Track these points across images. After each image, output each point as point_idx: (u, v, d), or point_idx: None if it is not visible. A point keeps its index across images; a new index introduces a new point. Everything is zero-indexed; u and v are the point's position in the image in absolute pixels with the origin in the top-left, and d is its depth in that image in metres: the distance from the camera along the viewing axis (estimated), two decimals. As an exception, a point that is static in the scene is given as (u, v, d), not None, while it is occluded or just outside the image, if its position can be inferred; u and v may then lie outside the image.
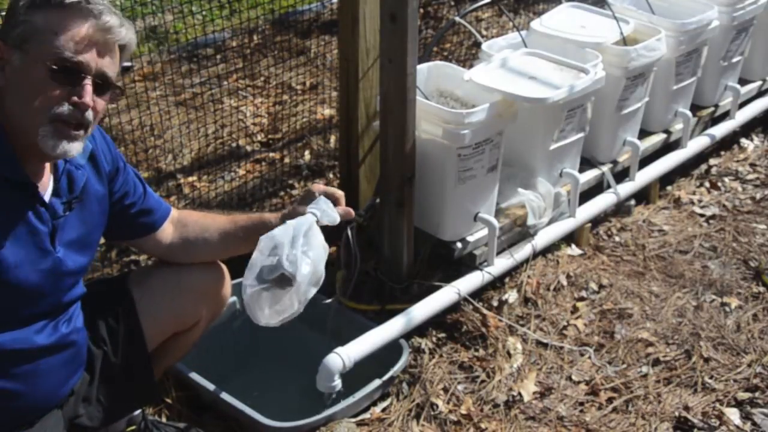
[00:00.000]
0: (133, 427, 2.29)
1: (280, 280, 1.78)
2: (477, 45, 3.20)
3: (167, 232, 2.11)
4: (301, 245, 1.81)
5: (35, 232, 1.74)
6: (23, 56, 1.64)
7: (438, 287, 2.82)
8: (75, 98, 1.67)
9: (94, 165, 1.89)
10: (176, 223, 2.13)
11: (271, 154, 3.79)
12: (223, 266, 2.19)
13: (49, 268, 1.79)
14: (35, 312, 1.80)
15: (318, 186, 2.05)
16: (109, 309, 2.07)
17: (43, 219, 1.76)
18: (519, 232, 3.05)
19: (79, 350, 1.93)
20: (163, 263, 2.17)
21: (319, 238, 1.88)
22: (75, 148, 1.72)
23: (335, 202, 2.01)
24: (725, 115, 4.00)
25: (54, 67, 1.64)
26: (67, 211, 1.81)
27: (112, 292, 2.11)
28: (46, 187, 1.78)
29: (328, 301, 2.82)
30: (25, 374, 1.79)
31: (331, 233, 3.14)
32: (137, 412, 2.30)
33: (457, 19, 3.02)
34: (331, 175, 3.57)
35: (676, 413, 2.52)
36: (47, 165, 1.78)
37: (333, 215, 1.95)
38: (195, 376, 2.48)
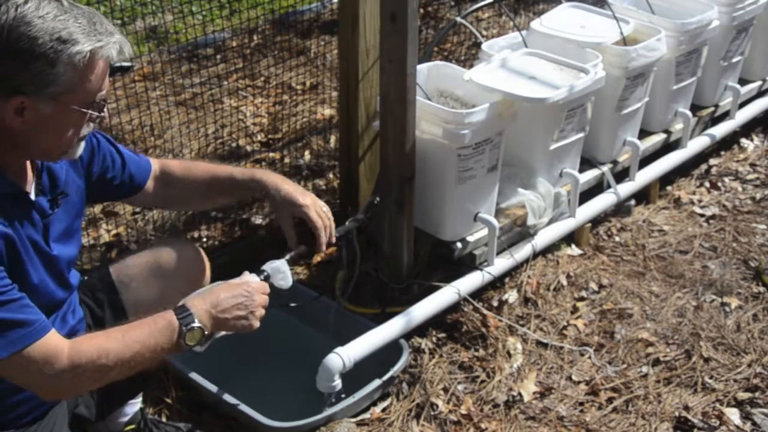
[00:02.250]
0: (133, 426, 2.30)
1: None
2: (477, 45, 3.20)
3: (151, 187, 2.15)
4: None
5: (31, 236, 1.75)
6: (55, 104, 1.64)
7: (438, 287, 2.82)
8: (100, 120, 1.74)
9: (74, 162, 1.90)
10: (160, 178, 2.16)
11: (271, 154, 3.79)
12: (202, 252, 2.19)
13: (49, 266, 1.81)
14: (47, 308, 1.82)
15: (309, 200, 2.12)
16: (94, 298, 2.10)
17: (34, 221, 1.77)
18: (519, 232, 3.05)
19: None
20: (143, 250, 2.20)
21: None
22: (80, 150, 1.77)
23: (313, 235, 2.11)
24: (725, 115, 3.99)
25: (88, 111, 1.68)
26: (55, 208, 1.83)
27: (95, 281, 2.13)
28: (31, 186, 1.79)
29: (329, 301, 2.82)
30: None
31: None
32: (136, 409, 2.30)
33: (459, 19, 3.02)
34: (331, 175, 3.57)
35: (676, 413, 2.53)
36: (27, 164, 1.79)
37: (286, 280, 2.03)
38: (195, 376, 2.48)
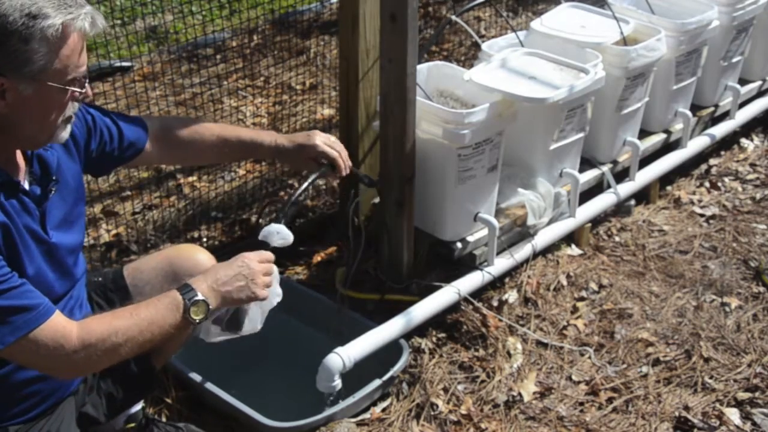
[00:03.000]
0: (133, 425, 2.30)
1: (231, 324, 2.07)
2: (477, 45, 3.20)
3: (151, 147, 2.16)
4: None
5: (28, 225, 1.76)
6: (36, 85, 1.64)
7: (438, 287, 2.82)
8: (83, 98, 1.74)
9: (64, 144, 1.89)
10: (162, 138, 2.18)
11: (271, 154, 3.79)
12: (214, 259, 2.20)
13: (49, 254, 1.82)
14: (52, 298, 1.82)
15: (318, 138, 2.26)
16: (106, 298, 2.11)
17: (29, 209, 1.77)
18: (519, 232, 3.05)
19: None
20: (157, 254, 2.22)
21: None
22: (67, 132, 1.78)
23: (334, 166, 2.28)
24: (725, 115, 3.99)
25: (68, 87, 1.68)
26: (50, 195, 1.83)
27: (108, 283, 2.15)
28: (23, 175, 1.79)
29: (329, 300, 2.82)
30: None
31: (326, 226, 3.14)
32: (137, 408, 2.30)
33: (453, 17, 3.02)
34: (331, 175, 3.57)
35: (676, 413, 2.53)
36: (18, 152, 1.79)
37: (286, 239, 2.10)
38: (195, 376, 2.48)
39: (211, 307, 1.83)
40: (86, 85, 1.73)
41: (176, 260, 2.15)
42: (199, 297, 1.81)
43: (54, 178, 1.84)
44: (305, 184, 2.24)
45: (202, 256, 2.17)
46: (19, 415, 1.84)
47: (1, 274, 1.62)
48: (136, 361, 2.09)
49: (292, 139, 2.29)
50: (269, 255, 1.99)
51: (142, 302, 1.79)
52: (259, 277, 1.92)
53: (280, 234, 2.09)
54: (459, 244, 2.89)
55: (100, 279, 2.15)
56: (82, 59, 1.69)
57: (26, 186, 1.78)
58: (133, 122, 2.13)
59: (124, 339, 1.71)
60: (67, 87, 1.68)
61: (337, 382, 2.45)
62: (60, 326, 1.67)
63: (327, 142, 2.29)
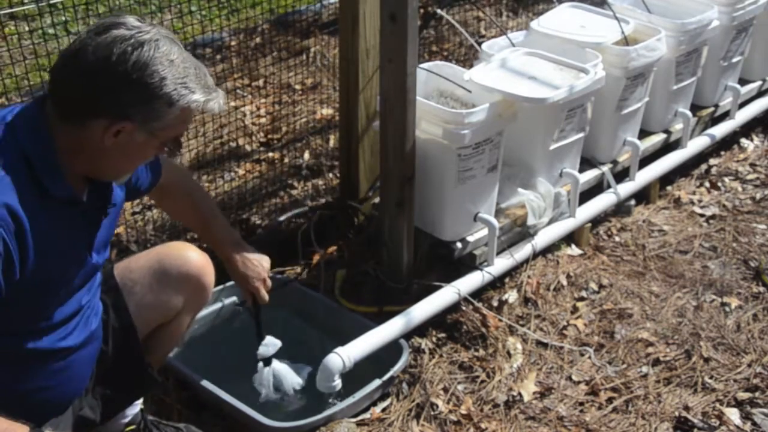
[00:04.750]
0: (133, 427, 2.29)
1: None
2: (477, 45, 3.20)
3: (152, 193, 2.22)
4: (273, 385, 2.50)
5: (77, 243, 1.81)
6: (149, 137, 1.73)
7: (438, 287, 2.82)
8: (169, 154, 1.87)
9: None
10: (164, 189, 2.21)
11: (271, 154, 3.79)
12: (206, 255, 2.20)
13: (86, 273, 1.87)
14: (74, 311, 1.88)
15: (241, 273, 2.36)
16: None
17: (83, 228, 1.82)
18: (519, 232, 3.05)
19: (99, 341, 2.01)
20: (147, 252, 2.23)
21: (282, 372, 2.52)
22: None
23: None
24: (725, 115, 3.99)
25: (166, 146, 1.81)
26: (103, 218, 1.88)
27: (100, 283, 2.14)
28: (84, 196, 1.83)
29: (329, 300, 2.82)
30: (61, 370, 1.88)
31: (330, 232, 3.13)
32: (137, 410, 2.30)
33: (439, 12, 3.02)
34: (330, 175, 3.57)
35: (676, 413, 2.52)
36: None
37: (276, 344, 2.49)
38: (195, 376, 2.48)
39: None
40: (180, 148, 1.86)
41: (166, 258, 2.15)
42: None
43: (113, 203, 1.90)
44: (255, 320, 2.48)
45: (192, 254, 2.17)
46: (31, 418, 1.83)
47: None
48: (131, 363, 2.09)
49: (230, 258, 2.33)
50: None
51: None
52: None
53: (273, 345, 2.46)
54: (459, 244, 2.89)
55: None
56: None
57: (86, 205, 1.82)
58: (154, 168, 2.17)
59: None
60: (166, 147, 1.80)
61: (337, 382, 2.45)
62: None
63: (246, 280, 2.35)
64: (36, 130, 1.68)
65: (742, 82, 4.03)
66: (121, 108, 1.66)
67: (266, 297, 2.38)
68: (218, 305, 2.76)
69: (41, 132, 1.68)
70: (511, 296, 2.95)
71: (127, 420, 2.29)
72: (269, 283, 2.38)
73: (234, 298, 2.77)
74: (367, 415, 2.50)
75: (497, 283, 2.99)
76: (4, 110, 1.72)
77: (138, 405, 2.31)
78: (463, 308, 2.86)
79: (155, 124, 1.70)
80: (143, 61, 1.64)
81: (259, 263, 2.35)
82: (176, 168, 2.29)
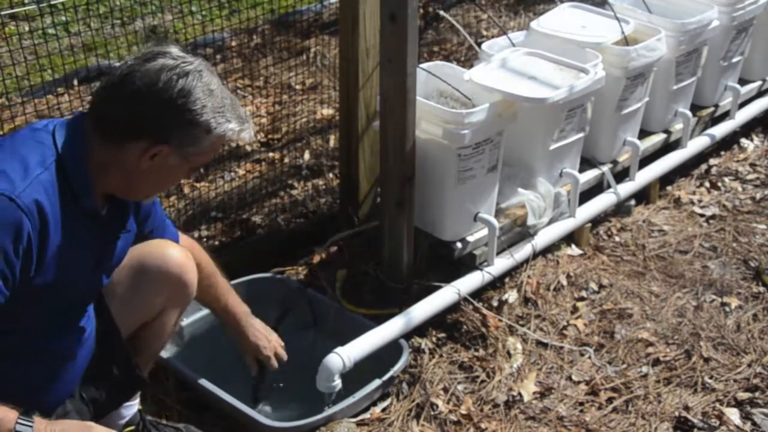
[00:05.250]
0: (132, 428, 2.29)
1: None
2: (477, 45, 3.20)
3: None
4: None
5: (89, 255, 1.86)
6: (182, 161, 1.81)
7: (438, 287, 2.82)
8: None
9: (136, 206, 2.02)
10: None
11: (271, 154, 3.79)
12: (186, 252, 2.19)
13: (90, 284, 1.93)
14: (77, 318, 1.95)
15: (252, 345, 2.43)
16: None
17: (99, 244, 1.88)
18: (519, 232, 3.05)
19: (92, 344, 2.03)
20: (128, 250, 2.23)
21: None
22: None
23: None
24: (725, 115, 3.99)
25: (194, 171, 1.92)
26: (117, 239, 1.94)
27: None
28: (105, 212, 1.89)
29: (329, 300, 2.82)
30: (57, 373, 1.93)
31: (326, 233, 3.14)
32: (134, 411, 2.30)
33: (441, 12, 3.03)
34: (330, 175, 3.57)
35: (676, 413, 2.52)
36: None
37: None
38: (195, 376, 2.48)
39: None
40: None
41: (147, 257, 2.14)
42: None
43: (126, 228, 1.96)
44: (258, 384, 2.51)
45: (172, 251, 2.16)
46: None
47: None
48: (119, 365, 2.10)
49: (242, 331, 2.39)
50: None
51: None
52: None
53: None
54: (459, 244, 2.89)
55: None
56: None
57: (103, 220, 1.88)
58: (174, 231, 2.22)
59: None
60: (193, 171, 1.89)
61: (337, 382, 2.45)
62: None
63: (258, 349, 2.41)
64: (73, 142, 1.77)
65: (742, 82, 4.03)
66: (162, 132, 1.75)
67: (276, 364, 2.44)
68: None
69: (78, 145, 1.77)
70: (511, 296, 2.95)
71: (125, 421, 2.28)
72: (281, 352, 2.46)
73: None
74: (367, 415, 2.50)
75: (497, 283, 2.99)
76: (48, 120, 1.83)
77: (135, 406, 2.30)
78: (463, 308, 2.86)
79: (190, 149, 1.78)
80: (187, 89, 1.73)
81: (269, 333, 2.45)
82: (197, 247, 2.31)
